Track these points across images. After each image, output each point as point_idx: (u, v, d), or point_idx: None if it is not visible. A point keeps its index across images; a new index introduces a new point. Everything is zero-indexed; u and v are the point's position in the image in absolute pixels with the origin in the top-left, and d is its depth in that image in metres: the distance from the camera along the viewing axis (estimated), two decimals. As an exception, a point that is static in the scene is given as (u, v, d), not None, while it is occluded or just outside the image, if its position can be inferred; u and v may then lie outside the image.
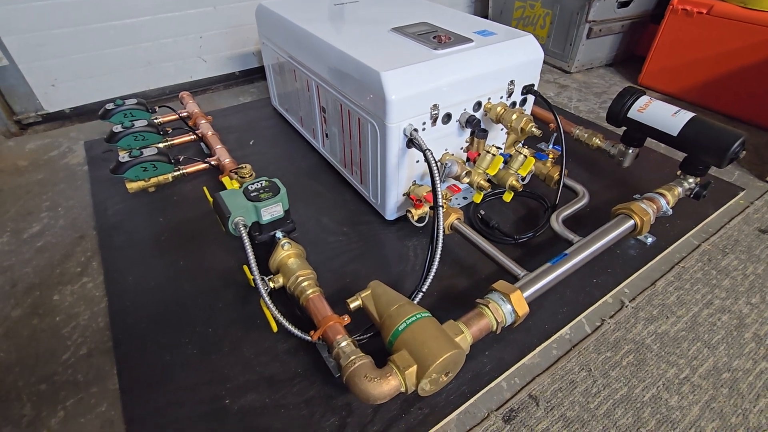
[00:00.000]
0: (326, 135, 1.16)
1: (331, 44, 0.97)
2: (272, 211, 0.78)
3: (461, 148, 1.01)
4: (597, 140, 1.15)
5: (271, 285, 0.75)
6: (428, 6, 1.22)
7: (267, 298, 0.71)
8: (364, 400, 0.60)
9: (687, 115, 0.95)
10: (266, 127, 1.41)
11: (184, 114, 1.26)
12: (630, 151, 1.07)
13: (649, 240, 0.98)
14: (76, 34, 1.39)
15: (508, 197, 1.01)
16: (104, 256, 0.95)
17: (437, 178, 0.79)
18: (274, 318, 0.69)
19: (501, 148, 1.03)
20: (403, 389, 0.61)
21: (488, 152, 0.92)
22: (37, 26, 1.32)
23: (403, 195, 0.98)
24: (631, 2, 1.73)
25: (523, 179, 1.00)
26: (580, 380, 0.74)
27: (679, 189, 0.97)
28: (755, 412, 0.69)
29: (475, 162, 0.95)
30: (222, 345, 0.77)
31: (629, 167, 1.12)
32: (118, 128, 1.04)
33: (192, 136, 1.15)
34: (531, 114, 1.12)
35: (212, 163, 1.05)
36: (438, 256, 0.76)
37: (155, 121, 1.20)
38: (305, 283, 0.74)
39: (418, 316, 0.65)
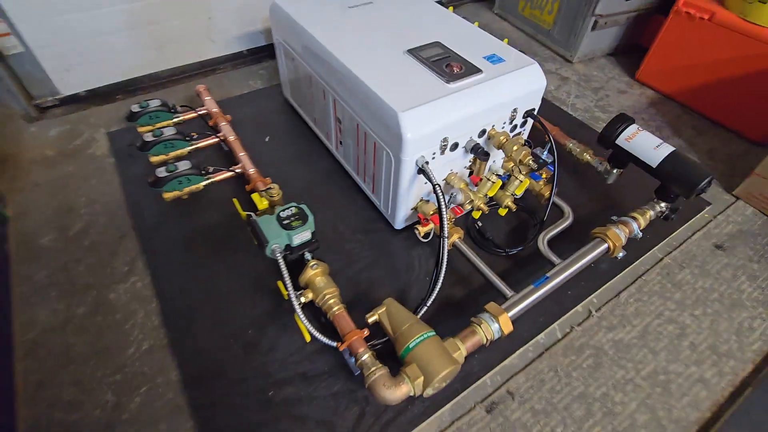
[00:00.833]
0: (340, 142, 1.25)
1: (349, 69, 1.03)
2: (302, 236, 0.92)
3: (465, 167, 1.12)
4: (587, 156, 1.26)
5: (303, 300, 0.90)
6: (440, 15, 1.25)
7: (301, 314, 0.86)
8: (382, 402, 0.78)
9: (667, 150, 1.06)
10: (280, 121, 1.48)
11: (203, 111, 1.32)
12: (615, 171, 1.20)
13: (620, 254, 1.14)
14: (89, 19, 1.40)
15: (502, 212, 1.15)
16: (148, 258, 1.08)
17: (444, 211, 0.92)
18: (309, 331, 0.85)
19: (501, 174, 1.14)
20: (412, 393, 0.79)
21: (489, 179, 1.04)
22: (49, 12, 1.33)
23: (411, 209, 1.11)
24: (639, -6, 1.74)
25: (517, 197, 1.13)
26: (548, 379, 0.93)
27: (651, 212, 1.11)
28: (678, 407, 0.90)
29: (477, 185, 1.07)
30: (261, 345, 0.94)
31: (613, 183, 1.25)
32: (148, 137, 1.12)
33: (215, 139, 1.23)
34: (533, 125, 1.21)
35: (238, 171, 1.15)
36: (441, 280, 0.91)
37: (177, 119, 1.27)
38: (331, 301, 0.89)
39: (424, 336, 0.81)
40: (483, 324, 0.86)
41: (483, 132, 1.06)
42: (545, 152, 1.34)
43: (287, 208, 0.93)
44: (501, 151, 1.10)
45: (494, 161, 1.19)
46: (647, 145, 1.09)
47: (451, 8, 1.71)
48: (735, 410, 0.89)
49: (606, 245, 1.04)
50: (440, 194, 0.92)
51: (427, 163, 0.97)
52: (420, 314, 0.92)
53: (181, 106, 1.30)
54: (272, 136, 1.43)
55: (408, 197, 1.06)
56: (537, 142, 1.14)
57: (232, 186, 1.22)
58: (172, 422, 0.84)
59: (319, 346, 0.93)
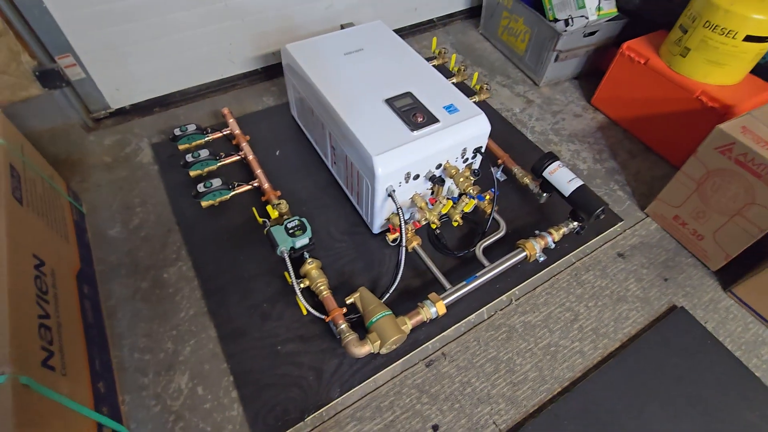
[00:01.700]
0: (334, 162, 1.61)
1: (339, 114, 1.37)
2: (302, 242, 1.30)
3: (427, 188, 1.48)
4: (526, 180, 1.62)
5: (302, 286, 1.29)
6: (415, 64, 1.58)
7: (300, 295, 1.25)
8: (353, 356, 1.18)
9: (577, 183, 1.42)
10: (287, 137, 1.83)
11: (228, 132, 1.68)
12: (545, 194, 1.55)
13: (542, 258, 1.52)
14: (134, 50, 1.73)
15: (455, 224, 1.52)
16: (189, 249, 1.47)
17: (403, 228, 1.29)
18: (305, 307, 1.24)
19: (453, 197, 1.50)
20: (373, 351, 1.19)
21: (441, 202, 1.40)
22: (104, 45, 1.66)
23: (385, 219, 1.48)
24: (596, 32, 2.03)
25: (465, 213, 1.50)
26: (471, 346, 1.33)
27: (565, 228, 1.48)
28: (559, 369, 1.30)
29: (433, 205, 1.44)
30: (273, 315, 1.33)
31: (544, 203, 1.61)
32: (189, 158, 1.49)
33: (237, 157, 1.59)
34: (486, 148, 1.55)
35: (255, 185, 1.52)
36: (399, 276, 1.30)
37: (208, 138, 1.63)
38: (322, 287, 1.29)
39: (383, 314, 1.21)
40: (425, 307, 1.26)
41: (440, 165, 1.42)
42: (499, 171, 1.71)
43: (292, 220, 1.31)
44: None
45: (452, 182, 1.55)
46: (563, 178, 1.44)
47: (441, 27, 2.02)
48: (598, 372, 1.29)
49: (525, 253, 1.42)
50: (401, 215, 1.30)
51: (394, 191, 1.33)
52: (384, 299, 1.31)
53: (211, 128, 1.66)
54: (281, 150, 1.78)
55: (381, 212, 1.43)
56: (490, 164, 1.50)
57: (251, 196, 1.59)
58: (213, 364, 1.25)
59: (313, 318, 1.33)
